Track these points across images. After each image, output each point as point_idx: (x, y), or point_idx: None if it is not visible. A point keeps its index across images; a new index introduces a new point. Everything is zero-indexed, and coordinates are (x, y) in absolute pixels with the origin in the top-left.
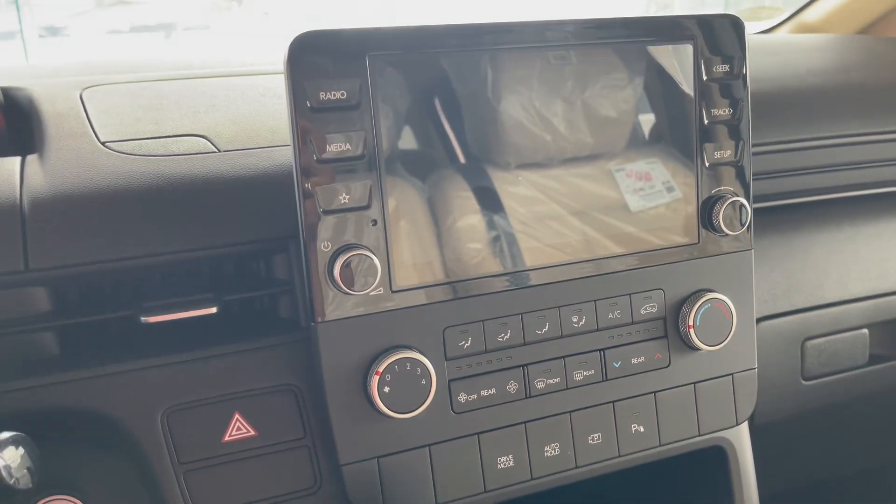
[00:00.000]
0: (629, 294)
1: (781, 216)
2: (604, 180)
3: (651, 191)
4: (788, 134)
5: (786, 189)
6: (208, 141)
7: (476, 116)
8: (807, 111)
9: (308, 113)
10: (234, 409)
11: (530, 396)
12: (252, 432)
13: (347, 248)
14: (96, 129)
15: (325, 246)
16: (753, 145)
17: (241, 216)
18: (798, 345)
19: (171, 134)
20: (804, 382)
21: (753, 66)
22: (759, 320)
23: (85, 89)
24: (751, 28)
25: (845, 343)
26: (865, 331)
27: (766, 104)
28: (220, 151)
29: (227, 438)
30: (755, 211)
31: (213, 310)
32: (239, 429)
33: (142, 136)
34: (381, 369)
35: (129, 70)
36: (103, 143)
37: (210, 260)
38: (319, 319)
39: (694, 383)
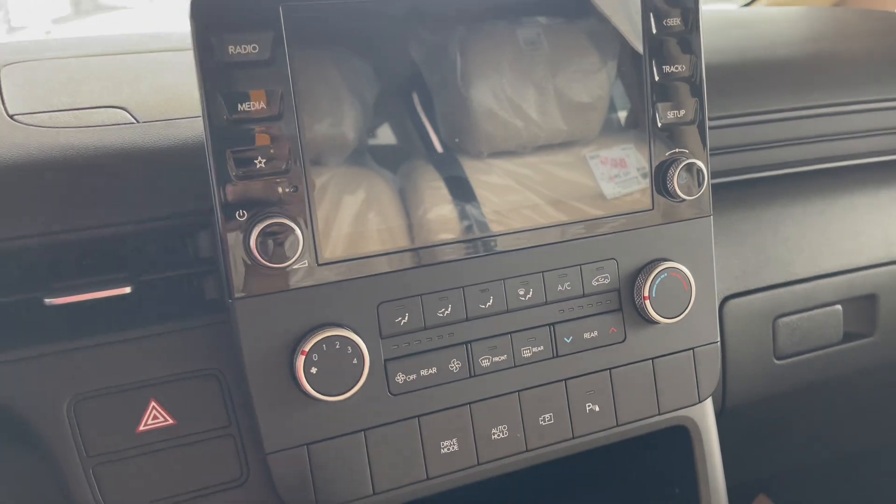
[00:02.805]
0: (579, 265)
1: (751, 190)
2: (578, 167)
3: (626, 177)
4: (758, 105)
5: (755, 163)
6: (127, 112)
7: (400, 68)
8: (776, 82)
9: (217, 69)
10: (149, 396)
11: (475, 375)
12: (170, 421)
13: (264, 216)
14: (6, 102)
15: (239, 214)
16: (723, 117)
17: (159, 189)
18: (769, 323)
19: (87, 106)
20: (777, 362)
21: (723, 38)
22: (728, 298)
23: (4, 66)
24: (733, 2)
25: (818, 320)
26: (839, 307)
27: (734, 76)
28: (138, 122)
29: (141, 428)
30: (724, 185)
31: (127, 290)
32: (155, 417)
33: (55, 109)
34: (307, 349)
35: (62, 48)
36: (11, 116)
37: (128, 238)
38: (237, 295)
39: (652, 359)
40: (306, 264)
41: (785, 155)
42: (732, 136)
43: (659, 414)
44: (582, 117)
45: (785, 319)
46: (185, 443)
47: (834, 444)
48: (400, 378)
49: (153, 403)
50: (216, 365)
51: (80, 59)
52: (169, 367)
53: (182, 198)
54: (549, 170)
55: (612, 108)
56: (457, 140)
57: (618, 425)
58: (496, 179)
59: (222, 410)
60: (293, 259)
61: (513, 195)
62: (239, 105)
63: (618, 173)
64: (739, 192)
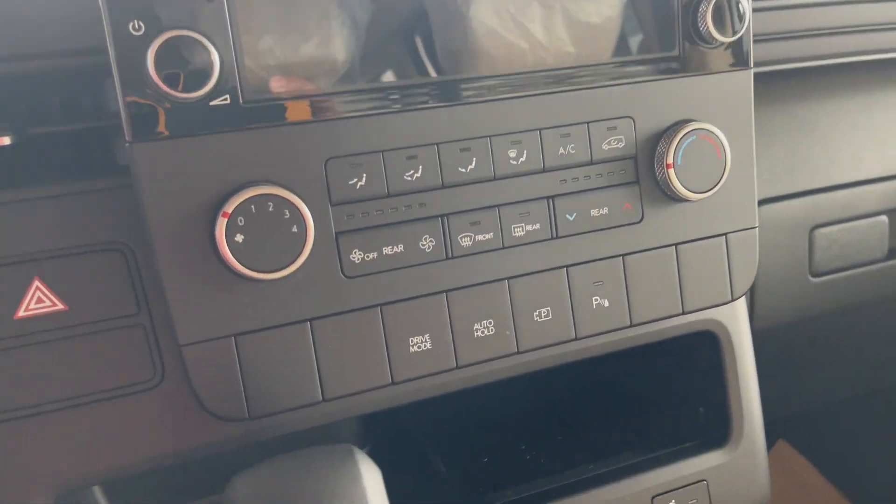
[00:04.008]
0: (587, 122)
1: (784, 84)
2: None
3: None
4: None
5: (790, 54)
6: None
7: None
8: None
9: None
10: (31, 274)
11: (452, 257)
12: (59, 306)
13: (166, 27)
14: None
15: (134, 27)
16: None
17: (53, 19)
18: (805, 234)
19: None
20: (812, 279)
21: None
22: (758, 203)
23: None
24: None
25: (860, 232)
26: (884, 218)
27: None
28: None
29: (21, 314)
30: (754, 77)
31: (6, 140)
32: (40, 301)
33: None
34: (229, 210)
35: None
36: None
37: (11, 79)
38: (132, 138)
39: (675, 245)
40: (227, 100)
41: (824, 46)
42: (766, 22)
43: (682, 314)
44: (592, 40)
45: (823, 230)
46: (80, 333)
47: (868, 377)
48: (356, 256)
49: (37, 283)
50: (122, 238)
51: None
52: (59, 239)
53: (83, 31)
54: None
55: (626, 30)
56: (456, 63)
57: (631, 326)
58: None
59: (130, 294)
60: (206, 88)
61: None
62: None
63: None
64: (770, 85)
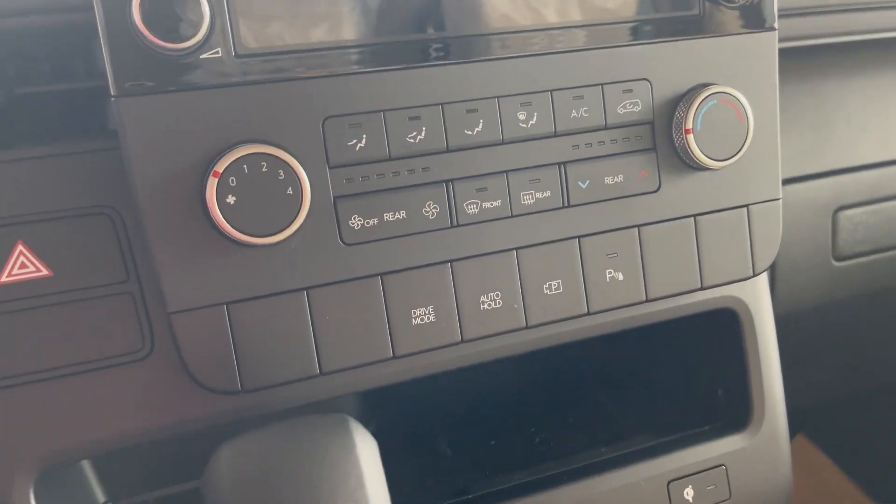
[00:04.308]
0: (601, 84)
1: (809, 60)
2: None
3: None
4: None
5: (816, 30)
6: None
7: None
8: None
9: None
10: (15, 237)
11: (458, 225)
12: (45, 271)
13: None
14: None
15: None
16: None
17: None
18: (829, 216)
19: None
20: (835, 263)
21: None
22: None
23: None
24: None
25: (887, 215)
26: None
27: None
28: None
29: (3, 279)
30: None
31: None
32: (23, 266)
33: None
34: (221, 169)
35: None
36: None
37: (2, 38)
38: (118, 92)
39: (694, 216)
40: (219, 53)
41: (852, 21)
42: None
43: (701, 289)
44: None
45: (847, 212)
46: (66, 300)
47: (894, 369)
48: (355, 222)
49: (21, 247)
50: (110, 202)
51: None
52: (45, 202)
53: None
54: None
55: (642, 12)
56: (463, 19)
57: (647, 301)
58: None
59: (118, 261)
60: (196, 39)
61: None
62: None
63: None
64: (795, 61)
